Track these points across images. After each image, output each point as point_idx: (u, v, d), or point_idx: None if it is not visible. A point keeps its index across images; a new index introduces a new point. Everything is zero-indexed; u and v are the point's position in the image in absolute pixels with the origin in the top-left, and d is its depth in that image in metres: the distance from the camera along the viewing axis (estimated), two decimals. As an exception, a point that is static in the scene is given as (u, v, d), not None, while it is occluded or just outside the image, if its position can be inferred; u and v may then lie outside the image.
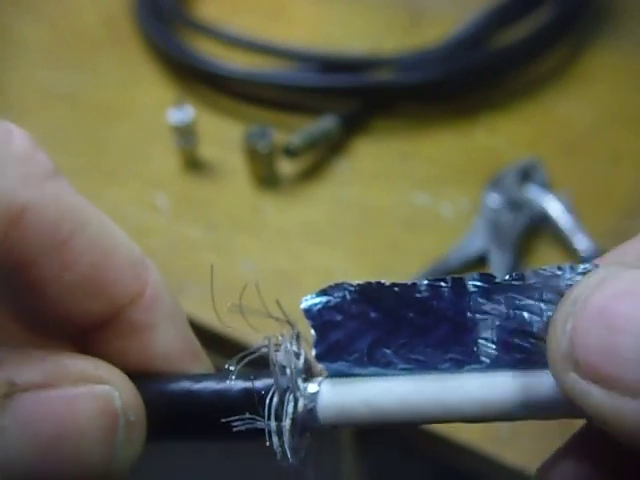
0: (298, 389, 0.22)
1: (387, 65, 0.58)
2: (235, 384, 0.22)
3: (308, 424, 0.22)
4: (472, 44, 0.58)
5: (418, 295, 0.21)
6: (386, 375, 0.22)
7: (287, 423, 0.22)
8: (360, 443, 0.49)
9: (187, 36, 0.63)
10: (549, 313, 0.21)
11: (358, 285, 0.21)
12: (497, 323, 0.21)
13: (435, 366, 0.21)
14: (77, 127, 0.58)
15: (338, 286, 0.22)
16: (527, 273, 0.21)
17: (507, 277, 0.21)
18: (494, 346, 0.21)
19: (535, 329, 0.21)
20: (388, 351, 0.22)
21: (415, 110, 0.57)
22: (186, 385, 0.23)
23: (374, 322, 0.22)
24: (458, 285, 0.21)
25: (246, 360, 0.22)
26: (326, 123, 0.54)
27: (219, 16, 0.65)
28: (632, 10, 0.63)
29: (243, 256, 0.49)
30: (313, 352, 0.22)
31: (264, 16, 0.67)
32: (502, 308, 0.21)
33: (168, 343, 0.24)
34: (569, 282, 0.21)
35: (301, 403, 0.22)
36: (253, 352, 0.22)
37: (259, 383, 0.22)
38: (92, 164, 0.55)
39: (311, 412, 0.22)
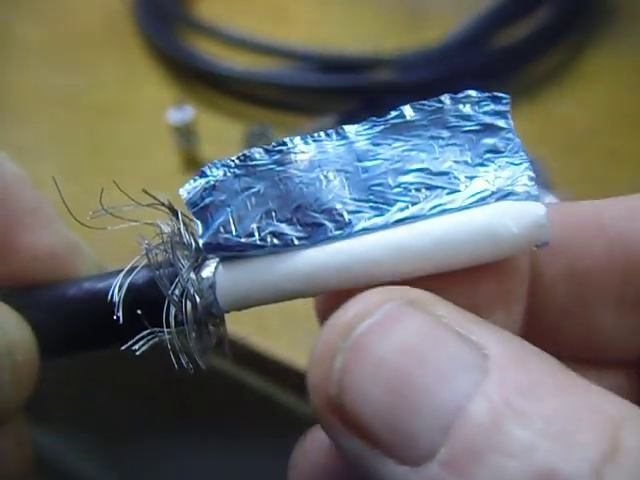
0: (190, 280, 0.20)
1: (387, 65, 0.58)
2: (120, 281, 0.21)
3: (209, 316, 0.20)
4: (472, 44, 0.58)
5: (300, 155, 0.20)
6: (285, 253, 0.20)
7: (189, 321, 0.20)
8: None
9: (187, 36, 0.63)
10: (440, 149, 0.20)
11: (237, 158, 0.20)
12: (390, 167, 0.20)
13: (334, 228, 0.20)
14: (77, 127, 0.58)
15: (216, 164, 0.20)
16: (406, 110, 0.20)
17: (389, 116, 0.20)
18: (393, 191, 0.20)
19: (429, 165, 0.20)
20: (281, 225, 0.20)
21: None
22: (64, 291, 0.21)
23: (261, 196, 0.20)
24: (340, 135, 0.20)
25: (131, 266, 0.21)
26: (326, 123, 0.54)
27: (219, 16, 0.65)
28: (632, 10, 0.63)
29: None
30: (199, 242, 0.20)
31: (264, 16, 0.67)
32: (392, 151, 0.20)
33: (37, 240, 0.22)
34: (455, 114, 0.20)
35: (197, 297, 0.20)
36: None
37: (140, 277, 0.21)
38: (92, 164, 0.55)
39: (210, 302, 0.20)
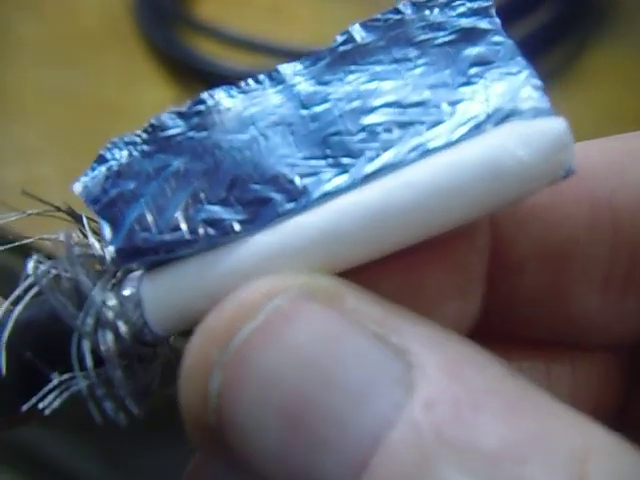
0: (106, 301, 0.15)
1: (387, 65, 0.58)
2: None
3: (142, 345, 0.15)
4: (472, 44, 0.58)
5: (226, 113, 0.15)
6: (225, 245, 0.15)
7: (112, 358, 0.14)
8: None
9: (187, 36, 0.63)
10: (408, 73, 0.15)
11: (144, 130, 0.16)
12: (347, 108, 0.15)
13: (285, 201, 0.15)
14: (77, 127, 0.58)
15: (117, 143, 0.15)
16: (355, 31, 0.16)
17: (334, 44, 0.16)
18: (356, 138, 0.15)
19: (397, 97, 0.15)
20: (215, 208, 0.15)
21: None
22: None
23: (182, 175, 0.15)
24: (275, 80, 0.16)
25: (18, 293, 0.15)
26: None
27: (219, 16, 0.65)
28: (632, 10, 0.63)
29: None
30: (111, 250, 0.15)
31: (264, 16, 0.67)
32: (346, 87, 0.15)
33: None
34: (421, 24, 0.15)
35: (120, 324, 0.15)
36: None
37: (34, 310, 0.15)
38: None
39: (140, 326, 0.15)
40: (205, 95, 0.16)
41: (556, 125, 0.15)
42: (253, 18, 0.66)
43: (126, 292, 0.15)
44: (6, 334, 0.15)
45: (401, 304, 0.14)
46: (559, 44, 0.60)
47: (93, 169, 0.16)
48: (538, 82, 0.16)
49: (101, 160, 0.16)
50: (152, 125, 0.16)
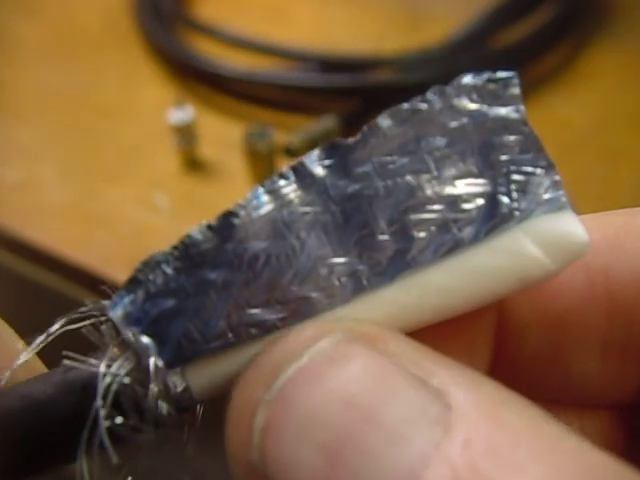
0: (159, 402, 0.16)
1: (388, 65, 0.58)
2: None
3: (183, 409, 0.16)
4: (472, 44, 0.58)
5: (257, 220, 0.16)
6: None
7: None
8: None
9: (187, 36, 0.63)
10: (436, 164, 0.15)
11: (175, 248, 0.16)
12: (376, 204, 0.15)
13: (325, 298, 0.16)
14: (77, 127, 0.58)
15: (148, 264, 0.16)
16: (383, 122, 0.16)
17: (361, 135, 0.16)
18: (386, 237, 0.16)
19: (427, 192, 0.15)
20: (256, 310, 0.16)
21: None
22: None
23: (221, 286, 0.16)
24: (301, 173, 0.16)
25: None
26: (326, 123, 0.54)
27: (219, 16, 0.65)
28: (632, 10, 0.63)
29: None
30: (159, 364, 0.16)
31: (264, 16, 0.67)
32: (375, 181, 0.15)
33: None
34: (448, 112, 0.15)
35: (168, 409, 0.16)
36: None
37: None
38: (92, 164, 0.55)
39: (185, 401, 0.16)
40: (235, 208, 0.16)
41: (580, 234, 0.16)
42: (253, 18, 0.66)
43: (177, 388, 0.16)
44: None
45: None
46: (559, 44, 0.60)
47: (129, 292, 0.16)
48: (558, 177, 0.16)
49: (135, 282, 0.16)
50: (183, 243, 0.16)
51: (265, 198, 0.16)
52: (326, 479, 0.12)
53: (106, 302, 0.16)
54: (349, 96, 0.56)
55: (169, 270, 0.16)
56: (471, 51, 0.58)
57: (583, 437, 0.13)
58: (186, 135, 0.53)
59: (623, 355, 0.18)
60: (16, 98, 0.61)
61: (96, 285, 0.48)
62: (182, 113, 0.52)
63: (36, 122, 0.59)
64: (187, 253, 0.16)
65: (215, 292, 0.16)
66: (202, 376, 0.16)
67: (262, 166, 0.52)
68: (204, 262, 0.16)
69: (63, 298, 0.50)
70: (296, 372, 0.13)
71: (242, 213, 0.16)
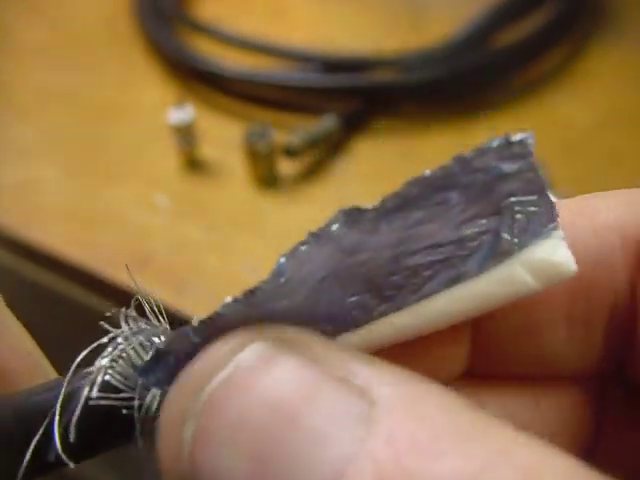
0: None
1: (388, 65, 0.58)
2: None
3: None
4: (472, 44, 0.58)
5: (279, 287, 0.16)
6: None
7: None
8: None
9: (187, 36, 0.63)
10: (447, 213, 0.17)
11: (201, 322, 0.16)
12: (388, 254, 0.17)
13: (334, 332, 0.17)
14: (77, 127, 0.58)
15: (177, 334, 0.16)
16: (406, 190, 0.17)
17: (383, 203, 0.16)
18: (399, 276, 0.17)
19: (439, 238, 0.17)
20: None
21: (416, 110, 0.57)
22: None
23: None
24: (320, 242, 0.16)
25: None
26: (326, 123, 0.54)
27: (219, 16, 0.65)
28: (632, 10, 0.63)
29: (243, 256, 0.49)
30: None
31: (264, 16, 0.67)
32: (388, 234, 0.17)
33: None
34: (464, 173, 0.16)
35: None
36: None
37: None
38: (92, 164, 0.55)
39: None
40: (260, 284, 0.16)
41: (569, 264, 0.17)
42: (253, 18, 0.66)
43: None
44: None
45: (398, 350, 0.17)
46: (559, 44, 0.60)
47: (154, 360, 0.17)
48: (557, 213, 0.18)
49: (164, 353, 0.16)
50: (210, 317, 0.16)
51: (286, 264, 0.16)
52: None
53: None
54: (349, 96, 0.56)
55: (196, 339, 0.16)
56: (472, 51, 0.58)
57: (503, 420, 0.13)
58: (186, 135, 0.53)
59: (587, 326, 0.20)
60: (16, 98, 0.61)
61: (96, 285, 0.48)
62: (182, 113, 0.52)
63: (36, 122, 0.59)
64: (213, 324, 0.16)
65: None
66: None
67: (262, 166, 0.52)
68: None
69: (63, 298, 0.50)
70: (221, 382, 0.13)
71: (265, 288, 0.16)
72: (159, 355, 0.16)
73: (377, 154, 0.55)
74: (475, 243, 0.17)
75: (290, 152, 0.52)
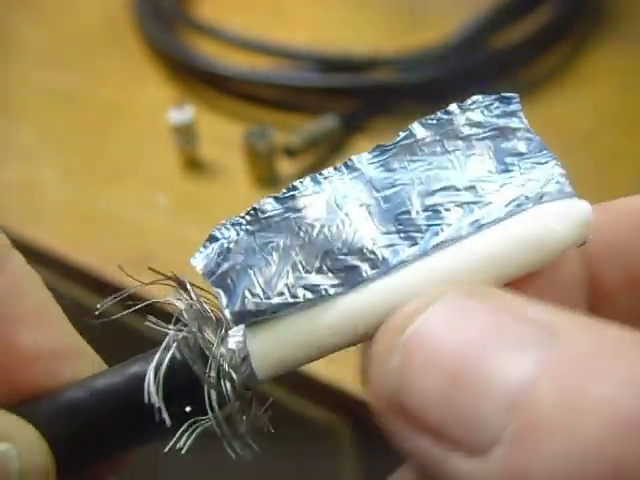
0: (222, 356, 0.19)
1: (387, 65, 0.58)
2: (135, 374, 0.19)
3: (246, 391, 0.19)
4: (472, 44, 0.58)
5: (314, 196, 0.19)
6: (321, 304, 0.19)
7: (233, 402, 0.18)
8: (360, 443, 0.49)
9: (187, 36, 0.63)
10: (459, 162, 0.19)
11: (247, 213, 0.19)
12: (413, 191, 0.19)
13: (369, 267, 0.18)
14: (77, 127, 0.58)
15: (225, 224, 0.19)
16: (416, 129, 0.20)
17: (398, 138, 0.19)
18: (422, 216, 0.19)
19: (453, 182, 0.19)
20: (311, 275, 0.19)
21: (415, 110, 0.57)
22: (78, 395, 0.19)
23: (282, 249, 0.19)
24: (350, 168, 0.19)
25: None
26: (326, 123, 0.54)
27: (219, 16, 0.65)
28: (632, 10, 0.63)
29: (243, 256, 0.49)
30: (228, 316, 0.18)
31: (264, 16, 0.67)
32: (410, 174, 0.19)
33: (39, 340, 0.20)
34: (466, 122, 0.20)
35: (234, 374, 0.19)
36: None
37: (167, 365, 0.19)
38: (92, 164, 0.55)
39: (247, 375, 0.19)
40: (297, 182, 0.19)
41: (585, 207, 0.19)
42: (253, 18, 0.66)
43: (233, 346, 0.19)
44: (160, 388, 0.19)
45: None
46: (559, 44, 0.60)
47: (206, 247, 0.19)
48: (563, 170, 0.19)
49: (213, 239, 0.19)
50: (254, 209, 0.19)
51: (322, 181, 0.19)
52: (450, 397, 0.15)
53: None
54: (349, 96, 0.57)
55: (241, 232, 0.19)
56: (471, 51, 0.58)
57: None
58: (186, 135, 0.53)
59: None
60: (16, 98, 0.61)
61: (96, 285, 0.48)
62: (182, 113, 0.52)
63: (36, 122, 0.59)
64: (256, 218, 0.19)
65: (277, 254, 0.19)
66: (263, 352, 0.18)
67: (262, 166, 0.52)
68: (269, 227, 0.19)
69: (63, 298, 0.50)
70: (424, 320, 0.16)
71: (301, 189, 0.19)
72: (210, 239, 0.19)
73: (377, 154, 0.55)
74: (490, 192, 0.19)
75: (290, 152, 0.52)
